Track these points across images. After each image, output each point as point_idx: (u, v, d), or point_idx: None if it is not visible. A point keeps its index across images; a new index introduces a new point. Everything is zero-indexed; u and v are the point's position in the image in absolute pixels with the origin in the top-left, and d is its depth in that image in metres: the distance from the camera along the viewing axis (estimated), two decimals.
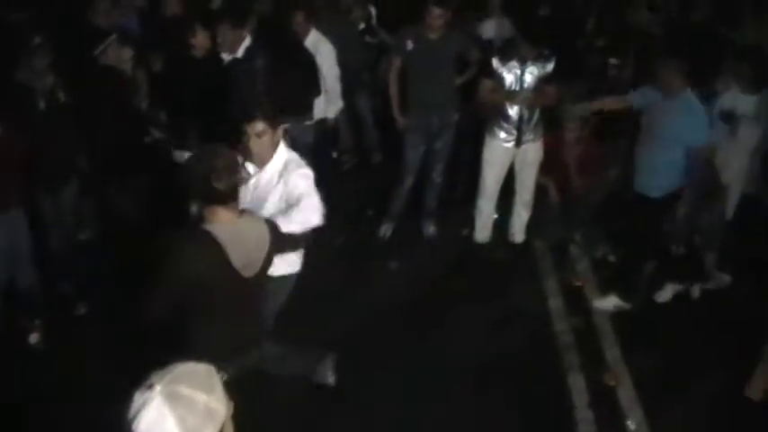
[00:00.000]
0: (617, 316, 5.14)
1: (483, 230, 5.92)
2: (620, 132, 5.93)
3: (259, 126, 3.54)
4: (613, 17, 7.50)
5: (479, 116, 5.79)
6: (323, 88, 5.88)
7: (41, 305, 4.71)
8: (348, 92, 6.44)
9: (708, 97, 5.30)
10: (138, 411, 1.62)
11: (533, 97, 5.36)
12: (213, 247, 2.83)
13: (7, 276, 4.50)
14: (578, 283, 5.54)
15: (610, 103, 5.37)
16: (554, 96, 5.49)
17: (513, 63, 5.32)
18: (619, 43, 6.97)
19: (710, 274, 5.44)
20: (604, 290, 5.34)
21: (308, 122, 5.78)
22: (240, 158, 3.09)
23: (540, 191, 5.85)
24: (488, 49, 5.96)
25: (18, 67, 4.48)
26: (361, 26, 7.07)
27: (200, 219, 2.93)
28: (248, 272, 2.95)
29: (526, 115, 5.42)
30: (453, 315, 5.02)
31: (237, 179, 2.87)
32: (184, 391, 1.63)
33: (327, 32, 5.99)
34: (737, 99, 5.17)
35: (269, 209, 3.58)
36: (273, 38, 5.78)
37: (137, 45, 5.47)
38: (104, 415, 1.69)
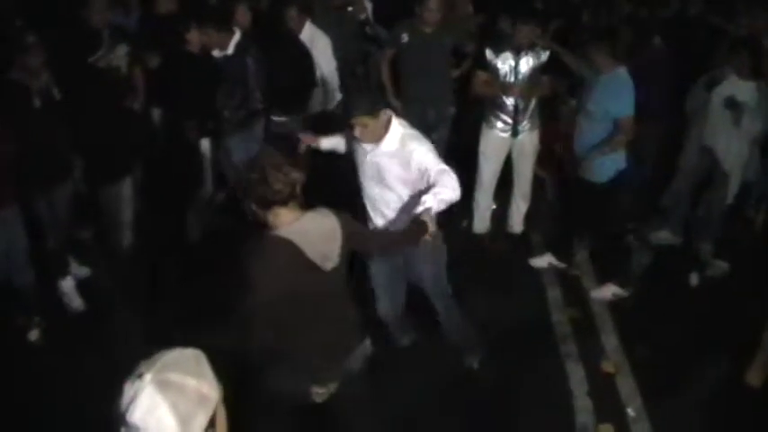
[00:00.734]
0: (616, 305, 5.14)
1: (481, 222, 5.93)
2: None
3: (359, 121, 3.62)
4: (608, 10, 7.48)
5: (475, 108, 5.79)
6: (319, 82, 5.89)
7: (39, 303, 4.71)
8: (343, 85, 6.43)
9: (710, 87, 5.36)
10: (131, 402, 1.62)
11: (528, 88, 5.35)
12: (290, 249, 2.79)
13: (4, 275, 4.49)
14: (576, 273, 5.54)
15: (569, 58, 5.51)
16: (549, 87, 5.49)
17: (507, 54, 5.31)
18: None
19: (708, 262, 5.45)
20: (601, 279, 5.35)
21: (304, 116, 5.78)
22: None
23: (537, 183, 5.84)
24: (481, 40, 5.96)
25: (12, 66, 4.48)
26: (362, 17, 7.06)
27: (264, 226, 2.88)
28: (328, 265, 2.91)
29: (522, 105, 5.41)
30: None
31: (293, 178, 2.82)
32: (174, 377, 1.63)
33: (325, 26, 5.99)
34: (736, 86, 5.18)
35: (392, 182, 3.75)
36: (267, 33, 5.79)
37: (133, 42, 5.49)
38: (104, 412, 1.69)
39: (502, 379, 4.39)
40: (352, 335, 3.18)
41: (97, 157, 4.84)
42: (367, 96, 3.85)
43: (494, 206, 6.01)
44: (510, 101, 5.41)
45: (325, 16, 6.29)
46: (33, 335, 4.66)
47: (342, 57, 6.10)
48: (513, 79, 5.34)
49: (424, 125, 5.79)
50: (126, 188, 5.09)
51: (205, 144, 5.55)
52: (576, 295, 5.30)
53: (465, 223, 6.02)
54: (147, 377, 1.62)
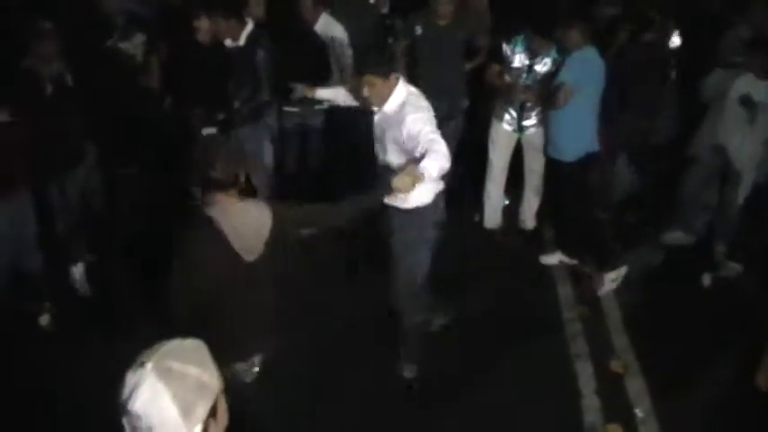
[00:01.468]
0: (626, 304, 5.11)
1: (493, 216, 5.92)
2: None
3: (367, 79, 3.74)
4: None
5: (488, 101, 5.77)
6: (335, 72, 5.85)
7: (49, 289, 4.73)
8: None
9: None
10: (133, 391, 1.62)
11: (534, 96, 5.35)
12: (212, 229, 2.88)
13: (14, 260, 4.50)
14: (587, 270, 5.50)
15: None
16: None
17: (523, 54, 5.32)
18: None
19: (721, 263, 5.40)
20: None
21: (317, 107, 5.75)
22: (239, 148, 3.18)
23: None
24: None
25: (26, 53, 4.48)
26: (384, 10, 7.03)
27: (203, 203, 2.97)
28: (249, 256, 2.95)
29: (529, 103, 5.44)
30: (461, 300, 4.98)
31: (239, 168, 2.94)
32: (176, 366, 1.63)
33: (344, 18, 5.95)
34: (752, 84, 5.13)
35: (389, 145, 3.86)
36: (280, 24, 5.76)
37: (148, 30, 5.48)
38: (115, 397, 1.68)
39: (510, 376, 4.37)
40: (265, 331, 3.17)
41: (110, 143, 4.84)
42: (379, 57, 3.90)
43: (506, 201, 6.00)
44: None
45: (344, 7, 6.25)
46: (44, 320, 4.68)
47: (358, 48, 6.06)
48: (525, 76, 5.33)
49: (437, 117, 5.78)
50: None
51: (209, 132, 5.51)
52: (586, 293, 5.26)
53: (477, 218, 6.01)
54: (149, 366, 1.62)
